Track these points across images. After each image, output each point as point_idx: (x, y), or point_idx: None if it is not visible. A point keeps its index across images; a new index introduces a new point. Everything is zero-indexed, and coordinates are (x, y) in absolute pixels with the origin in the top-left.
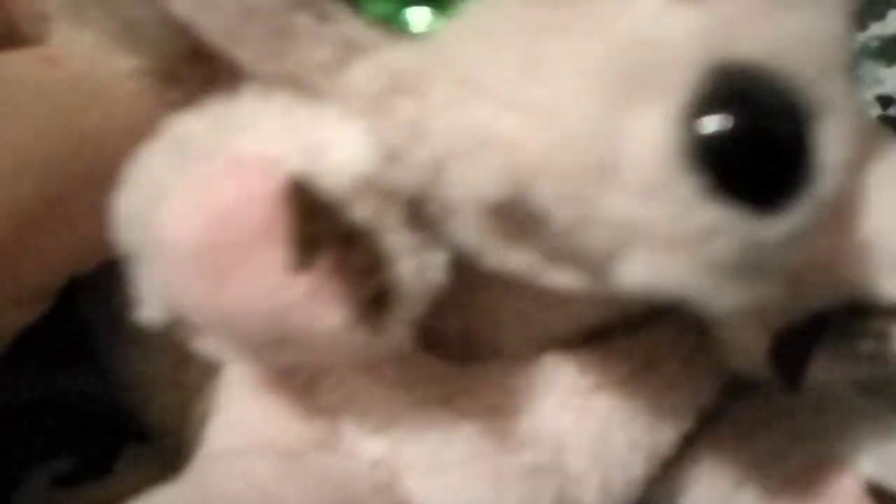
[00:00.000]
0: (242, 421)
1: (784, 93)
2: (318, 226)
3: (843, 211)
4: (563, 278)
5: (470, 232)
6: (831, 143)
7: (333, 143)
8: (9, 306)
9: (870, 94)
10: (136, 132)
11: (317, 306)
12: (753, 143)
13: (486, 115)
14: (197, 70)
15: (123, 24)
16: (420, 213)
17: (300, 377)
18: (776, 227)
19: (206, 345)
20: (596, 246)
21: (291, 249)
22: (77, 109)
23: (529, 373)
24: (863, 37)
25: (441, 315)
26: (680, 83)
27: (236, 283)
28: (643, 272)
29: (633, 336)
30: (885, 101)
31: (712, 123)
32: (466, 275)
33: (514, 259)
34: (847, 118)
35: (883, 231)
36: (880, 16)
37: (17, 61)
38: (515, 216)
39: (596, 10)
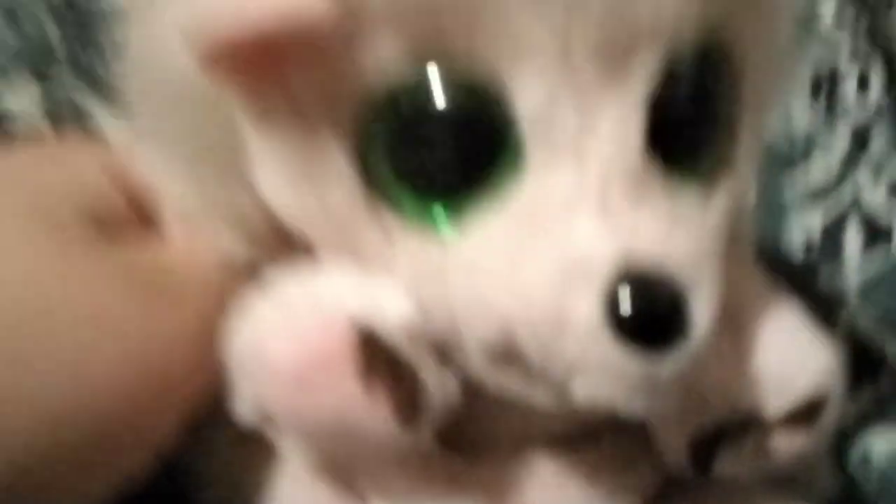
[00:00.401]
0: (293, 499)
1: (666, 281)
2: (377, 357)
3: (740, 350)
4: (539, 397)
5: (476, 363)
6: (699, 313)
7: (387, 302)
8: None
9: (797, 235)
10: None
11: (372, 413)
12: (647, 312)
13: (487, 292)
14: (284, 242)
15: (228, 206)
16: (443, 351)
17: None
18: (665, 365)
19: (283, 439)
20: (556, 374)
21: (360, 373)
22: (228, 293)
23: (517, 465)
24: (791, 184)
25: (451, 420)
26: (601, 277)
27: (316, 396)
28: (585, 392)
29: (597, 441)
30: (808, 245)
31: (622, 302)
32: (469, 394)
33: (505, 383)
34: (711, 297)
35: (765, 366)
36: (805, 166)
37: (171, 253)
38: (505, 353)
39: (550, 229)
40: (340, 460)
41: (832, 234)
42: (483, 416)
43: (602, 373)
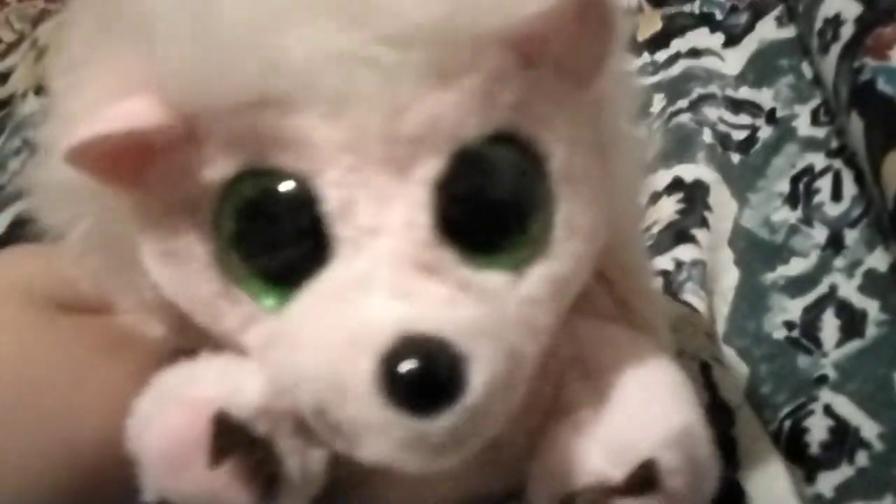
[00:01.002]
0: None
1: (443, 347)
2: (233, 437)
3: (596, 412)
4: (357, 457)
5: (317, 430)
6: (475, 378)
7: (244, 388)
8: None
9: (778, 320)
10: None
11: (232, 490)
12: (418, 375)
13: (300, 365)
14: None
15: (142, 301)
16: (302, 423)
17: None
18: (435, 424)
19: None
20: (346, 436)
21: (212, 453)
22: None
23: None
24: (773, 276)
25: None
26: (377, 343)
27: (186, 476)
28: (367, 452)
29: None
30: (789, 325)
31: (393, 365)
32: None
33: (336, 445)
34: (490, 365)
35: (612, 430)
36: (785, 261)
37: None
38: (323, 420)
39: (346, 307)
40: None
41: (811, 318)
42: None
43: (376, 433)
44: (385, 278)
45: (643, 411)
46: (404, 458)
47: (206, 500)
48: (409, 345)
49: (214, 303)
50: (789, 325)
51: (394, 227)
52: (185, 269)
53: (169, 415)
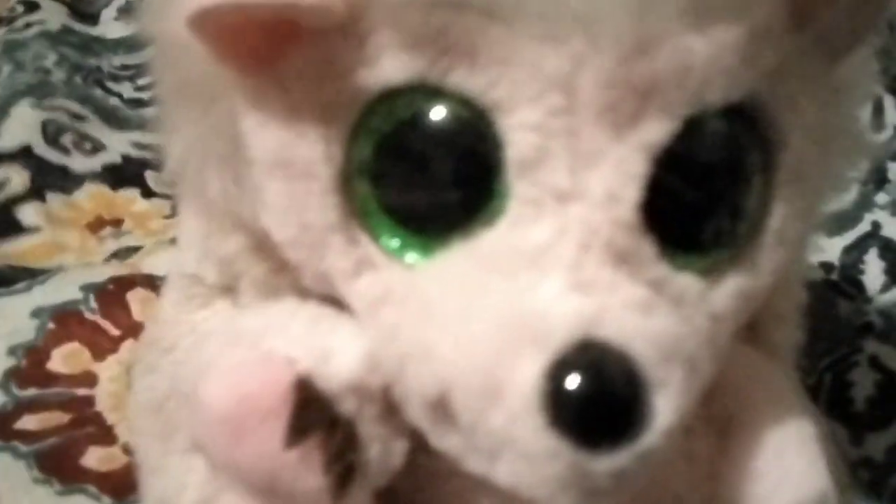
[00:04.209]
0: None
1: (628, 366)
2: (313, 412)
3: (727, 456)
4: (476, 466)
5: (418, 418)
6: (660, 412)
7: (337, 355)
8: None
9: (814, 260)
10: None
11: (301, 472)
12: (595, 397)
13: (433, 338)
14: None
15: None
16: (389, 406)
17: None
18: (603, 463)
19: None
20: (483, 447)
21: (288, 428)
22: None
23: None
24: None
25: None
26: (552, 343)
27: (247, 446)
28: (508, 473)
29: None
30: (826, 267)
31: (568, 378)
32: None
33: (446, 443)
34: (682, 395)
35: (742, 484)
36: None
37: None
38: (442, 411)
39: (512, 281)
40: None
41: (851, 260)
42: (435, 473)
43: (528, 458)
44: (568, 259)
45: (782, 466)
46: (551, 493)
47: (264, 474)
48: (588, 354)
49: (325, 236)
50: (827, 267)
51: (593, 195)
52: (299, 189)
53: (242, 369)
